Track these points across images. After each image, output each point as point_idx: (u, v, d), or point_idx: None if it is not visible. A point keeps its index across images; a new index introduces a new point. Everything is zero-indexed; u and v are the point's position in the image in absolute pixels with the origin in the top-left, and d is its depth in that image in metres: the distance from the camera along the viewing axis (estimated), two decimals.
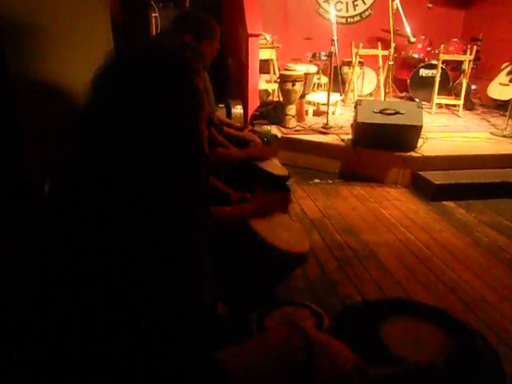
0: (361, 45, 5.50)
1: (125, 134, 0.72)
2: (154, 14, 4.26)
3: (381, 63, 5.65)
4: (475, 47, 5.36)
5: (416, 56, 6.11)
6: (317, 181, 4.02)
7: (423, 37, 6.08)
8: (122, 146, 0.72)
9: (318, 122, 4.82)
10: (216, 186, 1.81)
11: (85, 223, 0.68)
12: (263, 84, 5.38)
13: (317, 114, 5.20)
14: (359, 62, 5.65)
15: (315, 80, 5.43)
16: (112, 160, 0.71)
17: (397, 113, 3.78)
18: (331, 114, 4.79)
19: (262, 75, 5.33)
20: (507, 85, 5.49)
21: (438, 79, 5.31)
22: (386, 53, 5.33)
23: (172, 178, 0.76)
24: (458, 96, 5.48)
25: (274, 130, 4.45)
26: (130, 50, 0.80)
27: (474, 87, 5.90)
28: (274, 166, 2.25)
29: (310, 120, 4.96)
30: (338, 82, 4.98)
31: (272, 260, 1.45)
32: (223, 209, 1.47)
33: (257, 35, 4.46)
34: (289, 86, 4.34)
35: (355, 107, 3.96)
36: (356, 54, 5.55)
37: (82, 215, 0.68)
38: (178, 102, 0.75)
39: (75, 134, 0.75)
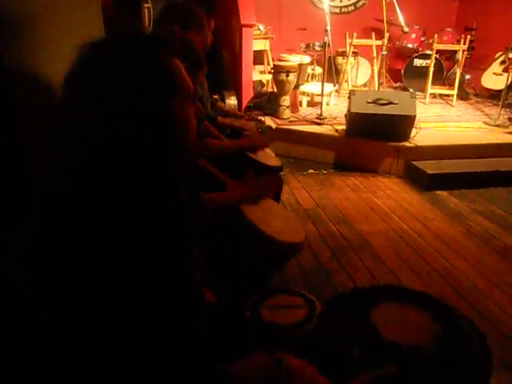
0: (355, 35, 5.48)
1: (97, 121, 0.71)
2: (146, 5, 4.22)
3: (375, 53, 5.64)
4: (469, 37, 5.36)
5: (410, 46, 6.10)
6: (311, 171, 4.03)
7: (417, 27, 6.07)
8: (96, 138, 0.71)
9: (313, 112, 4.82)
10: (214, 174, 1.82)
11: (77, 228, 0.69)
12: (257, 75, 5.37)
13: (311, 104, 5.20)
14: (353, 52, 5.64)
15: (309, 70, 5.42)
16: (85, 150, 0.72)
17: (390, 103, 3.80)
18: (325, 104, 4.79)
19: (256, 66, 5.32)
20: (501, 74, 5.50)
21: (431, 69, 5.32)
22: (379, 43, 5.32)
23: (147, 166, 0.74)
24: (451, 86, 5.49)
25: (269, 120, 4.45)
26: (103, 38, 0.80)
27: (467, 77, 5.91)
28: (268, 156, 2.26)
29: (305, 111, 4.97)
30: (332, 73, 4.98)
31: (267, 250, 1.47)
32: (215, 193, 1.48)
33: (250, 26, 4.45)
34: (283, 76, 4.33)
35: (349, 97, 3.97)
36: (350, 44, 5.54)
37: (70, 216, 0.69)
38: (144, 83, 0.73)
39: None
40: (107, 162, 0.72)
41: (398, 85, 6.42)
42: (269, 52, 5.54)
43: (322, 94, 4.53)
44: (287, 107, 4.59)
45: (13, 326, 0.72)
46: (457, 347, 0.86)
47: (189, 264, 0.83)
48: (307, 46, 5.64)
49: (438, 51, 5.45)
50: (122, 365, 0.69)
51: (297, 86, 4.73)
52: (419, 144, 3.90)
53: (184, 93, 0.79)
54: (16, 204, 1.39)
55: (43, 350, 0.70)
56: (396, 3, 4.43)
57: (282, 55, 4.96)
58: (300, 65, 4.63)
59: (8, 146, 1.42)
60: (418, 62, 5.84)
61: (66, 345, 0.68)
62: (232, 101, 4.50)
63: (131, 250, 0.69)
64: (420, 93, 5.51)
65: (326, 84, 4.55)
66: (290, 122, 4.54)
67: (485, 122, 4.60)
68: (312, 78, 5.65)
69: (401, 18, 4.32)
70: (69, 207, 0.70)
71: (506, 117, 4.52)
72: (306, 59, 5.04)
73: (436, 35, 5.46)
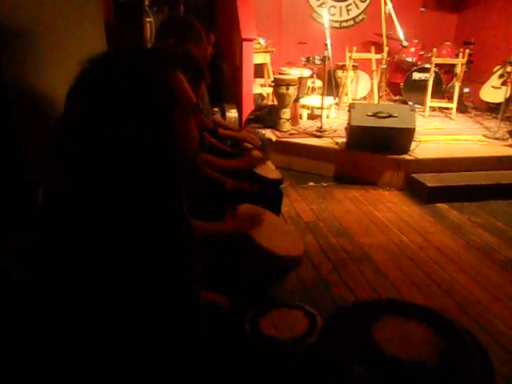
0: (354, 49, 5.53)
1: (99, 123, 0.72)
2: (148, 19, 4.27)
3: (374, 67, 5.68)
4: (467, 50, 5.40)
5: (409, 60, 6.15)
6: (311, 184, 4.03)
7: (416, 40, 6.12)
8: (96, 139, 0.72)
9: (313, 125, 4.84)
10: (212, 175, 1.83)
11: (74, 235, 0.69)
12: (257, 88, 5.41)
13: (311, 117, 5.22)
14: (353, 66, 5.69)
15: (309, 84, 5.46)
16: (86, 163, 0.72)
17: (390, 116, 3.81)
18: (325, 117, 4.81)
19: (257, 79, 5.36)
20: (499, 88, 5.53)
21: (430, 82, 5.35)
22: (379, 56, 5.37)
23: (145, 176, 0.74)
24: (450, 99, 5.52)
25: (269, 133, 4.47)
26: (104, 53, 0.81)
27: (466, 90, 5.95)
28: (268, 169, 2.26)
29: (305, 123, 4.98)
30: (332, 86, 5.01)
31: (266, 264, 1.46)
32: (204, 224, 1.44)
33: (251, 39, 4.49)
34: (283, 89, 4.36)
35: (349, 110, 3.99)
36: (350, 57, 5.59)
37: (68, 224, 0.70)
38: (144, 95, 0.73)
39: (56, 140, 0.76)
40: (107, 162, 0.72)
41: (397, 98, 6.46)
42: (269, 65, 5.59)
43: (322, 107, 4.56)
44: (287, 120, 4.61)
45: (13, 325, 0.72)
46: (460, 362, 0.85)
47: (188, 264, 0.83)
48: (307, 59, 5.69)
49: (436, 65, 5.50)
50: (122, 365, 0.68)
51: (297, 99, 4.75)
52: (419, 157, 3.91)
53: (185, 105, 0.80)
54: (16, 204, 1.39)
55: (43, 350, 0.70)
56: (395, 17, 4.48)
57: (283, 68, 5.00)
58: (300, 78, 4.66)
59: (8, 147, 1.42)
60: (416, 76, 5.88)
61: (66, 345, 0.68)
62: (232, 114, 4.52)
63: (131, 250, 0.69)
64: (419, 106, 5.54)
65: (326, 97, 4.58)
66: (291, 134, 4.56)
67: (484, 135, 4.61)
68: (312, 91, 5.69)
69: (400, 33, 4.36)
70: (69, 207, 0.71)
71: (506, 130, 4.53)
72: (306, 72, 5.08)
73: (435, 49, 5.50)
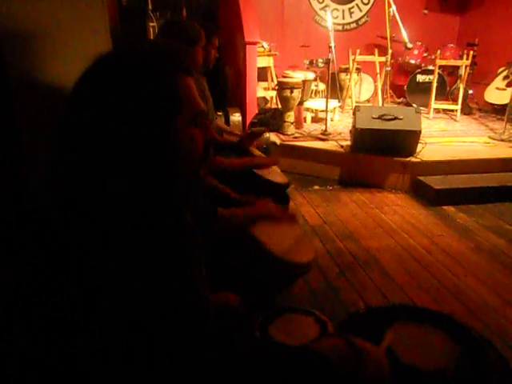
0: (358, 51, 5.52)
1: (99, 136, 0.71)
2: (151, 24, 4.28)
3: (378, 69, 5.67)
4: (471, 52, 5.38)
5: (413, 62, 6.14)
6: (316, 187, 4.01)
7: (419, 43, 6.11)
8: (92, 146, 0.70)
9: (317, 128, 4.83)
10: (223, 190, 1.81)
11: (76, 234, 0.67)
12: (261, 91, 5.40)
13: (315, 120, 5.21)
14: (356, 69, 5.68)
15: (313, 87, 5.45)
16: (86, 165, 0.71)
17: (395, 118, 3.79)
18: (330, 120, 4.80)
19: (260, 83, 5.35)
20: (504, 89, 5.51)
21: (434, 84, 5.33)
22: (383, 59, 5.35)
23: (147, 182, 0.72)
24: (455, 101, 5.50)
25: (273, 136, 4.46)
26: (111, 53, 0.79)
27: (470, 92, 5.93)
28: (274, 173, 2.24)
29: (309, 127, 4.97)
30: (336, 89, 5.00)
31: (276, 270, 1.44)
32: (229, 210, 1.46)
33: (254, 43, 4.48)
34: (287, 92, 4.35)
35: (354, 113, 3.97)
36: (353, 60, 5.58)
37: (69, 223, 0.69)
38: (144, 96, 0.71)
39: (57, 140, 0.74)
40: (104, 170, 0.70)
41: (400, 100, 6.44)
42: (272, 69, 5.58)
43: (326, 110, 4.54)
44: (291, 123, 4.60)
45: (12, 326, 0.70)
46: (479, 371, 0.82)
47: (191, 276, 0.82)
48: (311, 62, 5.69)
49: (440, 67, 5.48)
50: (123, 370, 0.67)
51: (301, 102, 4.74)
52: (425, 159, 3.89)
53: (190, 113, 0.77)
54: (15, 203, 1.38)
55: (39, 354, 0.68)
56: (399, 20, 4.46)
57: (286, 72, 4.99)
58: (304, 81, 4.65)
59: (8, 148, 1.41)
60: (420, 78, 5.86)
61: (63, 350, 0.66)
62: (236, 117, 4.51)
63: (130, 263, 0.68)
64: (423, 108, 5.53)
65: (329, 100, 4.56)
66: (295, 137, 4.54)
67: (490, 137, 4.58)
68: (316, 94, 5.67)
69: (404, 35, 4.34)
70: (68, 215, 0.69)
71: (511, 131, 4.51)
72: (310, 75, 5.07)
73: (439, 51, 5.49)
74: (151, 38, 4.26)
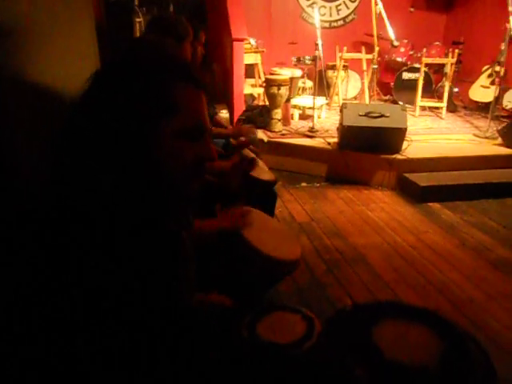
0: (345, 49, 5.54)
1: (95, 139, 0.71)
2: (137, 19, 4.23)
3: (365, 67, 5.70)
4: (457, 50, 5.44)
5: (399, 59, 6.18)
6: (304, 184, 4.02)
7: (406, 40, 6.15)
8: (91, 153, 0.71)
9: (304, 125, 4.84)
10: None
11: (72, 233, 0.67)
12: (248, 88, 5.39)
13: (303, 117, 5.22)
14: (343, 66, 5.70)
15: (300, 84, 5.46)
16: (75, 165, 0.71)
17: (382, 116, 3.82)
18: (317, 117, 4.81)
19: (248, 79, 5.34)
20: (488, 87, 5.58)
21: (420, 82, 5.37)
22: (369, 56, 5.39)
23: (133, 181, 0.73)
24: (440, 98, 5.55)
25: (260, 133, 4.45)
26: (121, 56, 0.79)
27: (456, 90, 5.99)
28: (261, 170, 2.24)
29: (296, 124, 4.98)
30: (323, 86, 5.01)
31: (263, 268, 1.44)
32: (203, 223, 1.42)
33: (241, 40, 4.46)
34: (274, 90, 4.35)
35: (341, 110, 3.99)
36: (340, 57, 5.59)
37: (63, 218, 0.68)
38: (139, 103, 0.72)
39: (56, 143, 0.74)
40: (98, 167, 0.71)
41: (387, 98, 6.48)
42: (260, 66, 5.57)
43: (313, 107, 4.55)
44: (279, 120, 4.60)
45: (12, 326, 0.69)
46: (462, 366, 0.83)
47: (178, 269, 0.82)
48: (298, 59, 5.68)
49: (426, 65, 5.52)
50: (124, 370, 0.67)
51: (288, 100, 4.75)
52: (411, 156, 3.92)
53: (183, 122, 0.75)
54: (14, 202, 1.36)
55: (39, 354, 0.67)
56: (385, 17, 4.50)
57: (273, 69, 4.99)
58: (291, 78, 4.66)
59: (4, 148, 1.39)
60: (406, 76, 5.90)
61: (63, 350, 0.66)
62: (223, 114, 4.49)
63: (130, 263, 0.68)
64: (409, 105, 5.57)
65: (317, 97, 4.57)
66: (282, 135, 4.54)
67: (475, 134, 4.64)
68: (303, 91, 5.69)
69: (391, 32, 4.38)
70: (68, 215, 0.69)
71: (495, 129, 4.57)
72: (297, 73, 5.08)
73: (424, 49, 5.53)
74: (137, 33, 4.21)
